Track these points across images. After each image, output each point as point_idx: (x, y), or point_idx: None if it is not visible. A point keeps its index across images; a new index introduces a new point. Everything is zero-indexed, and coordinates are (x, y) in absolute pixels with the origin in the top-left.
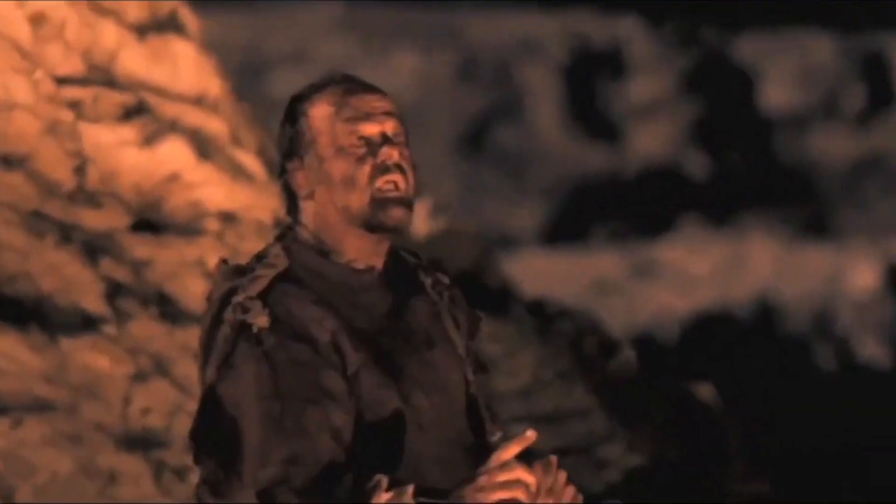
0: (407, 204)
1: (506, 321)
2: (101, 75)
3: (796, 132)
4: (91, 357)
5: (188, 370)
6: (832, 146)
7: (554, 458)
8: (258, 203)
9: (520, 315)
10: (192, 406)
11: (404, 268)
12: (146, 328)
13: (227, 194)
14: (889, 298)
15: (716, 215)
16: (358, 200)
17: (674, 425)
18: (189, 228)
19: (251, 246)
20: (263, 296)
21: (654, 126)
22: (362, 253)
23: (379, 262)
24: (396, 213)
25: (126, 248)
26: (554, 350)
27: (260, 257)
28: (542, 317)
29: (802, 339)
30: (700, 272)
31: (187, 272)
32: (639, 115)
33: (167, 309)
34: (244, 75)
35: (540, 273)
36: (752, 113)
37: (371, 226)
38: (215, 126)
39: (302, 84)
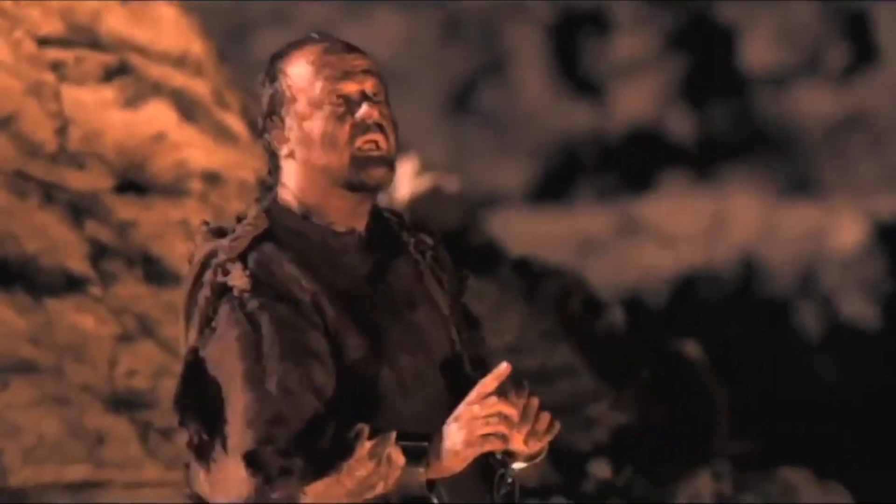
0: (388, 163)
1: (491, 280)
2: (84, 36)
3: (779, 90)
4: (76, 318)
5: (174, 331)
6: (815, 104)
7: (525, 383)
8: (242, 163)
9: (505, 274)
10: (178, 367)
11: (387, 228)
12: (131, 289)
13: (210, 155)
14: (874, 256)
15: (700, 173)
16: (338, 160)
17: (660, 384)
18: (173, 189)
19: (235, 206)
20: (244, 257)
21: (638, 84)
22: (343, 213)
23: (360, 223)
24: (377, 172)
25: (110, 209)
26: (539, 309)
27: (240, 219)
28: (528, 276)
29: (787, 297)
30: (684, 230)
31: (172, 233)
32: (623, 73)
33: (152, 270)
34: (228, 36)
35: (525, 232)
36: (735, 71)
37: (352, 185)
38: (199, 87)
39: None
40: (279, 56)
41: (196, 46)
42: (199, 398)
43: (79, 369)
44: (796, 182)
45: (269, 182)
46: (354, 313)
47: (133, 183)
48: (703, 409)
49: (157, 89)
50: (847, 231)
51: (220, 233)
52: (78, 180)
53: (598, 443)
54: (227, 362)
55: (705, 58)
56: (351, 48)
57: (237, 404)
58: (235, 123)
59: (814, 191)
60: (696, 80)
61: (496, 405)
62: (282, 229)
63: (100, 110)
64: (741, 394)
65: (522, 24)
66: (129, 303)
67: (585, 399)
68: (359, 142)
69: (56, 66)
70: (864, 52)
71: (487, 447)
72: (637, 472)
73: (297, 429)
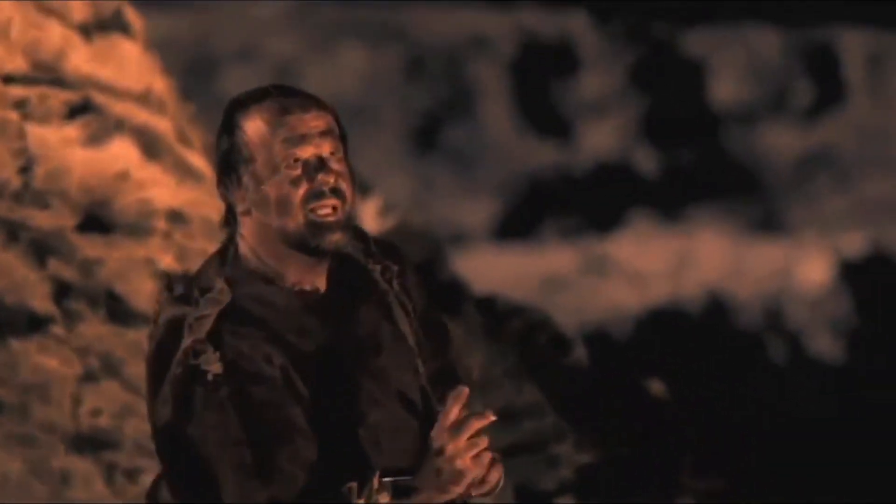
0: (343, 227)
1: (456, 318)
2: (47, 73)
3: (745, 127)
4: (40, 358)
5: (138, 370)
6: (781, 141)
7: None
8: (206, 202)
9: (470, 312)
10: (143, 407)
11: (351, 268)
12: (95, 328)
13: (174, 193)
14: (840, 293)
15: (666, 211)
16: (293, 224)
17: (626, 422)
18: (137, 228)
19: (200, 245)
20: (212, 337)
21: (604, 122)
22: (303, 272)
23: (321, 280)
24: (333, 237)
25: (74, 247)
26: (504, 347)
27: (203, 290)
28: (493, 314)
29: (754, 335)
30: (651, 268)
31: (136, 272)
32: (588, 111)
33: (116, 309)
34: (191, 73)
35: (490, 270)
36: (701, 108)
37: (308, 250)
38: (162, 125)
39: (250, 82)
40: (237, 107)
41: (159, 83)
42: (188, 478)
43: (43, 409)
44: (763, 219)
45: (227, 229)
46: (323, 378)
47: (97, 221)
48: (669, 446)
49: (120, 127)
50: (813, 268)
51: (183, 298)
52: (41, 219)
53: (564, 481)
54: (213, 449)
55: (671, 95)
56: (308, 105)
57: (230, 490)
58: (199, 161)
59: (780, 228)
60: (662, 117)
61: (476, 423)
62: (245, 298)
63: (63, 148)
64: (708, 431)
65: (487, 60)
66: (93, 342)
67: (550, 437)
68: (313, 206)
69: (20, 104)
70: (830, 89)
71: (486, 462)
72: None
73: None
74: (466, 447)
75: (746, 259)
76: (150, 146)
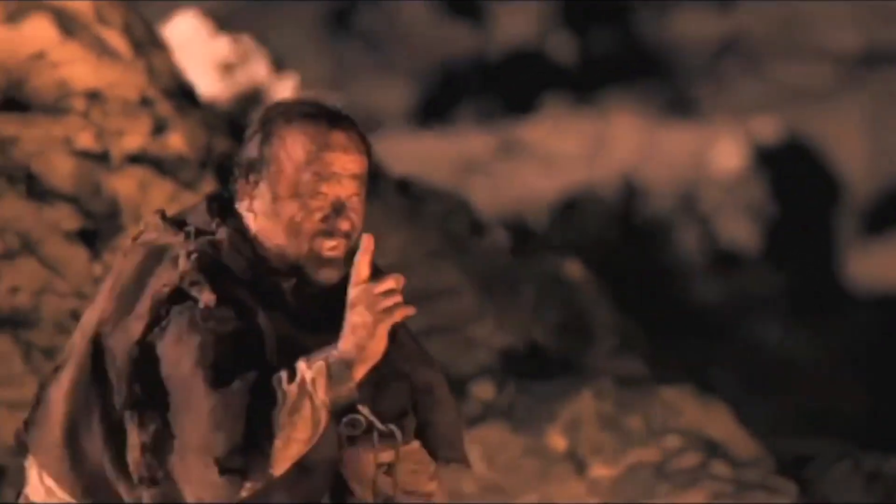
0: (343, 263)
1: (373, 201)
2: None
3: (660, 12)
4: None
5: (56, 249)
6: (696, 26)
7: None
8: (124, 81)
9: (389, 194)
10: (60, 285)
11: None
12: (13, 207)
13: (92, 72)
14: (752, 178)
15: (581, 95)
16: (296, 248)
17: (543, 304)
18: (55, 107)
19: (117, 124)
20: (208, 271)
21: (520, 6)
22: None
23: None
24: (328, 273)
25: None
26: (422, 230)
27: (200, 231)
28: (410, 197)
29: (668, 218)
30: (565, 152)
31: (54, 150)
32: None
33: (34, 187)
34: None
35: (407, 153)
36: None
37: (301, 275)
38: (80, 3)
39: None
40: (280, 117)
41: None
42: (154, 399)
43: None
44: (677, 104)
45: (214, 200)
46: (283, 356)
47: (14, 101)
48: (586, 328)
49: (38, 6)
50: (727, 153)
51: (176, 224)
52: None
53: (482, 363)
54: (185, 366)
55: None
56: (350, 146)
57: (201, 407)
58: (117, 40)
59: (694, 113)
60: (577, 1)
61: (389, 280)
62: (237, 257)
63: None
64: (623, 313)
65: None
66: (11, 221)
67: (468, 319)
68: (320, 240)
69: None
70: None
71: (397, 318)
72: (519, 391)
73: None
74: (381, 296)
75: (660, 143)
76: (68, 25)
